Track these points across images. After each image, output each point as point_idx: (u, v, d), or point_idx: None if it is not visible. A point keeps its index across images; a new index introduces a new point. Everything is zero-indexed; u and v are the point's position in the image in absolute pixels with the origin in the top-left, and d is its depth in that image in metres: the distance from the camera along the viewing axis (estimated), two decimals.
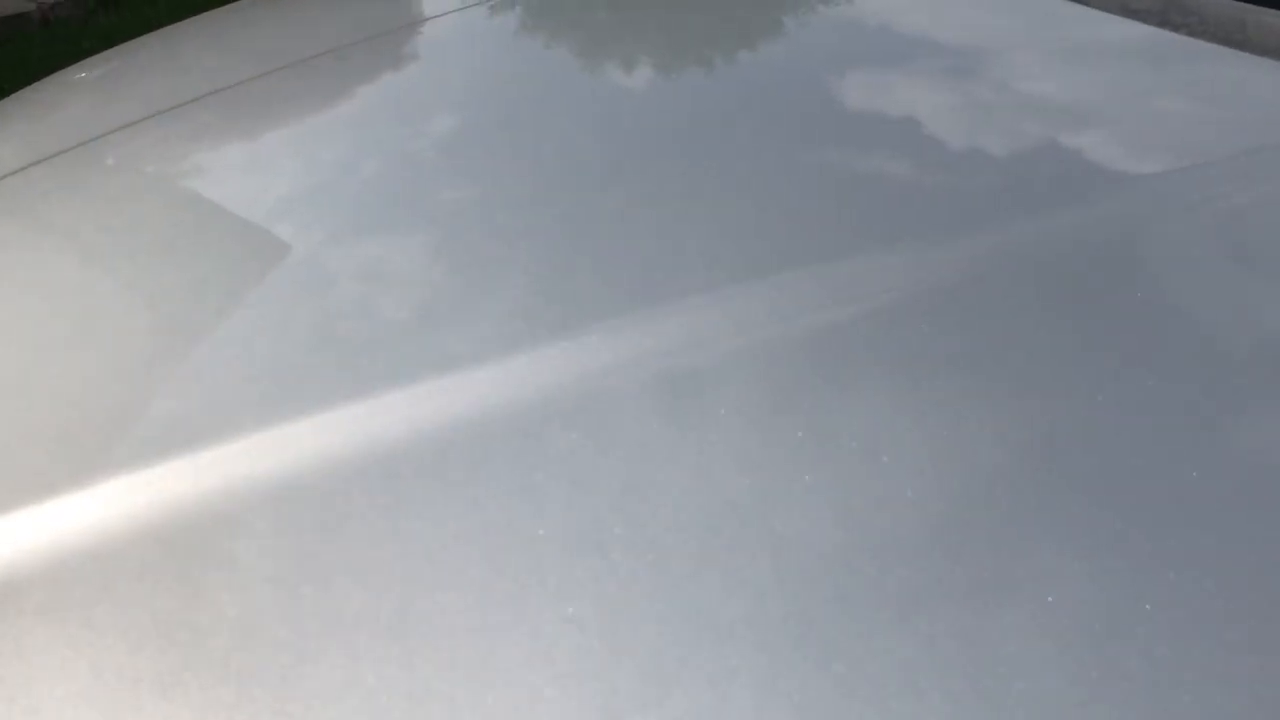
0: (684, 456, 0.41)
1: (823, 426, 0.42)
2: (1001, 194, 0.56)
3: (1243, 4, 0.62)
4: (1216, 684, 0.32)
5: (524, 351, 0.48)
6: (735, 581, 0.36)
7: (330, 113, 0.83)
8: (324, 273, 0.59)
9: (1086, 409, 0.41)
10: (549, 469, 0.42)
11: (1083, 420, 0.41)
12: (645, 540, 0.38)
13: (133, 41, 1.23)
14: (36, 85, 1.12)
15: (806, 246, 0.53)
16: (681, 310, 0.49)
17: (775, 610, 0.35)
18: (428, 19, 0.99)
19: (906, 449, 0.40)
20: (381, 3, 1.11)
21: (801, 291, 0.50)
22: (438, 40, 0.93)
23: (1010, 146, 0.61)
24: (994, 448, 0.40)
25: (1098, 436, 0.40)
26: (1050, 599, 0.34)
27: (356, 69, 0.90)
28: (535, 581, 0.38)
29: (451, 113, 0.77)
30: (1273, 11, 0.61)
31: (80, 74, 1.10)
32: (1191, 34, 0.64)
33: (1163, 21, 0.65)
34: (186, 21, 1.25)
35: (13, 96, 1.11)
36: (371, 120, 0.78)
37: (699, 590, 0.36)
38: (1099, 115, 0.62)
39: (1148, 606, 0.34)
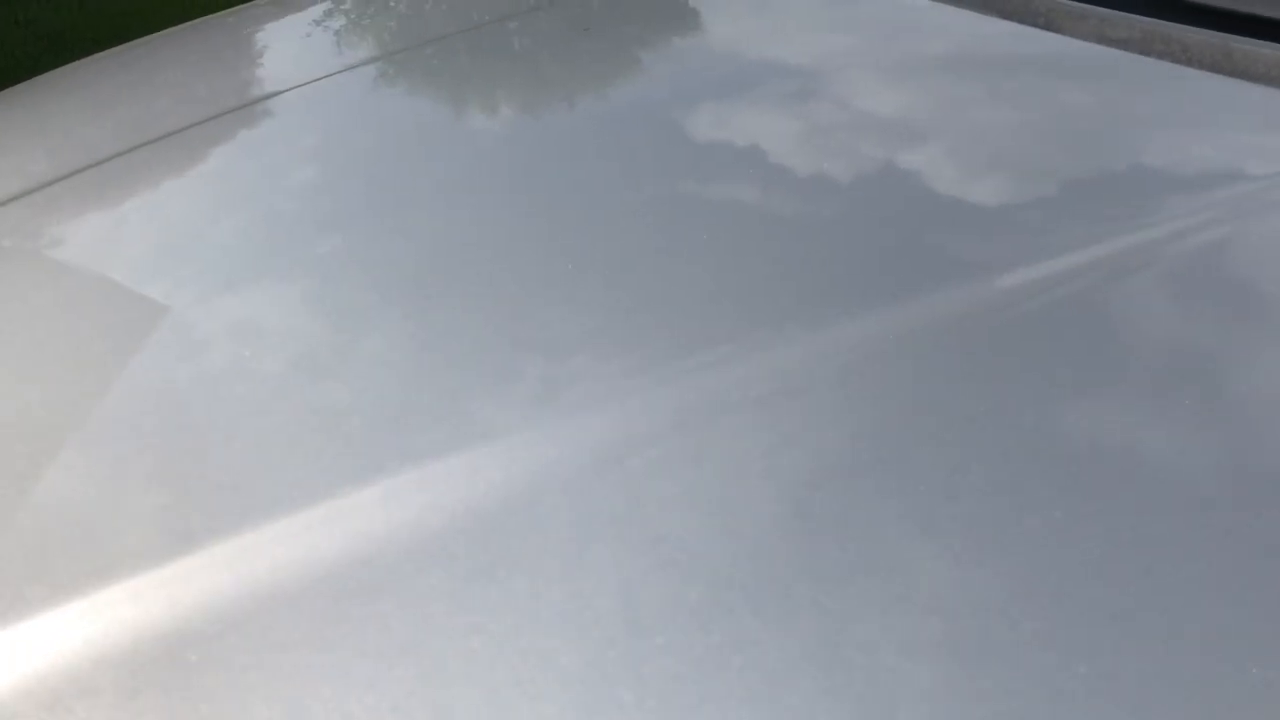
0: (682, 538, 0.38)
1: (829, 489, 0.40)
2: (995, 232, 0.55)
3: (1226, 34, 0.63)
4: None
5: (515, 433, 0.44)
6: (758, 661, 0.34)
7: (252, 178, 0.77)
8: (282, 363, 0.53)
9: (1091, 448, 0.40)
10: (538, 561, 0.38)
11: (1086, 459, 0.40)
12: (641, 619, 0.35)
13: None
14: None
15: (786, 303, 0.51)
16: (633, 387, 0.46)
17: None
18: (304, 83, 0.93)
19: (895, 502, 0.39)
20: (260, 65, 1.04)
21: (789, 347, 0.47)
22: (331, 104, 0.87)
23: (1003, 179, 0.60)
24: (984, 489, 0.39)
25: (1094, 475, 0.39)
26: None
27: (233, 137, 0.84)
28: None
29: (398, 176, 0.72)
30: (1257, 41, 0.62)
31: None
32: (1175, 63, 0.64)
33: (1144, 51, 0.66)
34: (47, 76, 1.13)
35: None
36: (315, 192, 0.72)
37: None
38: (1085, 143, 0.62)
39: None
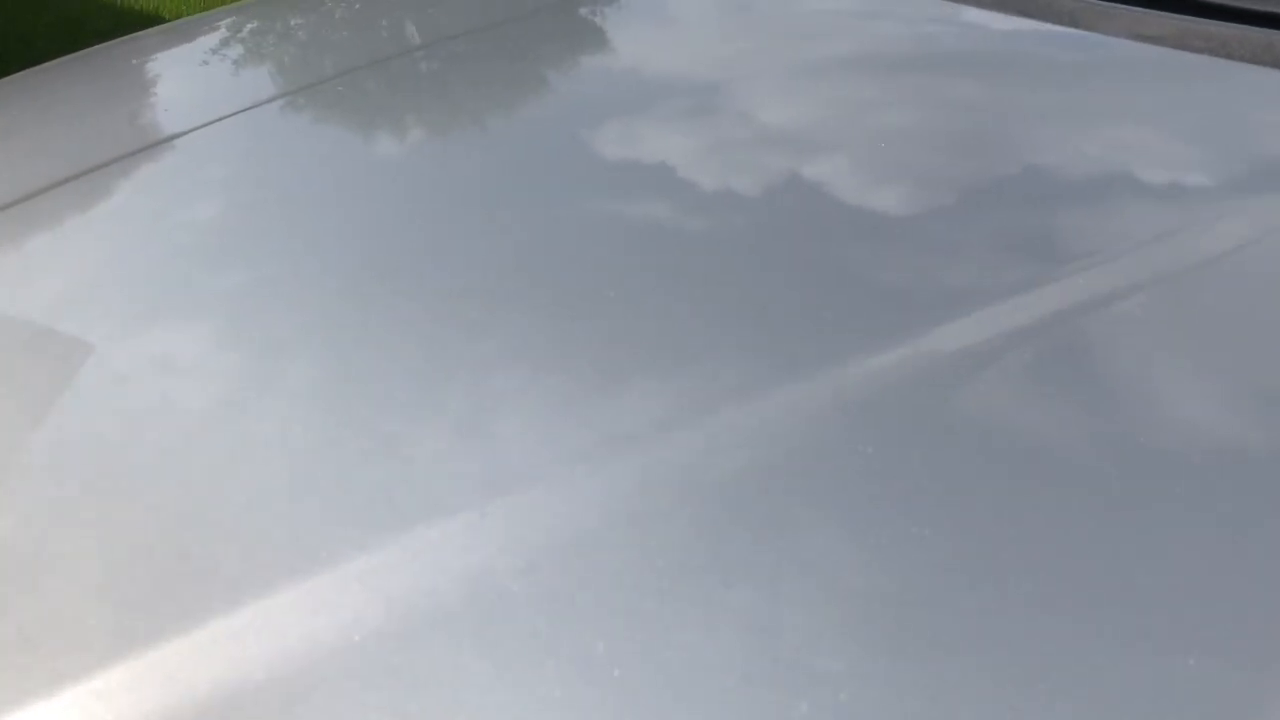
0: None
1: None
2: (1037, 236, 0.52)
3: (1269, 30, 0.61)
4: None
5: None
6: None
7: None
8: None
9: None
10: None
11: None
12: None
13: None
14: None
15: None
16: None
17: None
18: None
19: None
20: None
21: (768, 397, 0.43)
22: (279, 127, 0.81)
23: (1039, 185, 0.57)
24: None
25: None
26: None
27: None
28: None
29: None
30: None
31: None
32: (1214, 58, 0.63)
33: (1180, 47, 0.65)
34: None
35: None
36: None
37: None
38: (1125, 140, 0.60)
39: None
